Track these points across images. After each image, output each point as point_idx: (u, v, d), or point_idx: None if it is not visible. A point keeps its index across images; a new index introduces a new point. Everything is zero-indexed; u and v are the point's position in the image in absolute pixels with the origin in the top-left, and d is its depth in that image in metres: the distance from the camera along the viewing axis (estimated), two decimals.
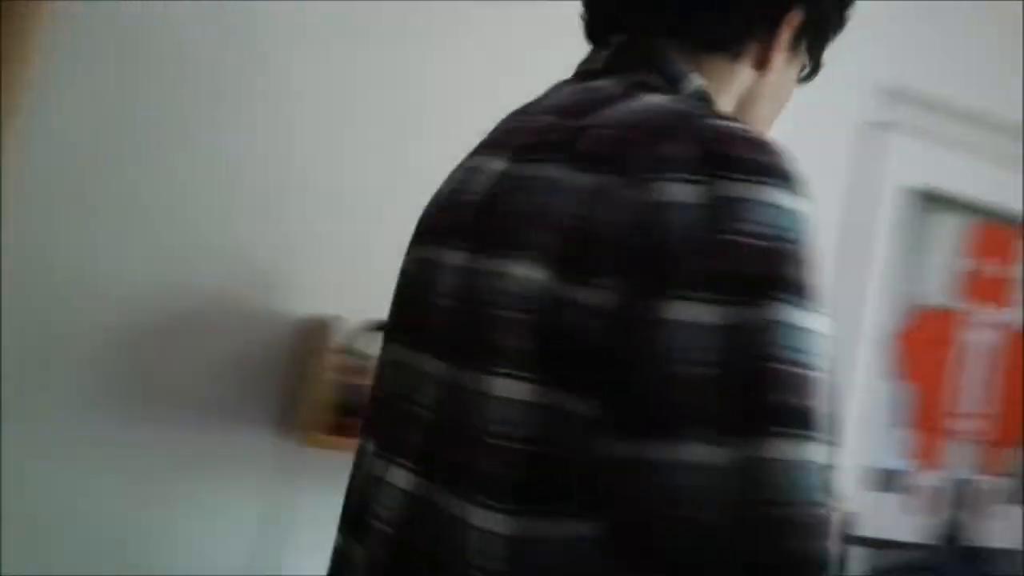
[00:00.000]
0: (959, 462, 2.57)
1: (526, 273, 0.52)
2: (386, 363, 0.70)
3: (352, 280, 1.80)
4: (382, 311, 1.55)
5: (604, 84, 0.62)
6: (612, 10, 0.69)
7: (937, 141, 2.40)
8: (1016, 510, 2.73)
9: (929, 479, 2.51)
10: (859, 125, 2.32)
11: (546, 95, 0.68)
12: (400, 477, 0.60)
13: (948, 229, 2.49)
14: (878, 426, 2.32)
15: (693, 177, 0.49)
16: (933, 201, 2.44)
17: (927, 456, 2.50)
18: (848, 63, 2.15)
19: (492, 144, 0.65)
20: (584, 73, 0.68)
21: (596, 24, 0.71)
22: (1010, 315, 2.58)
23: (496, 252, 0.55)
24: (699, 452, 0.47)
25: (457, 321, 0.58)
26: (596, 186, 0.52)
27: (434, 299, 0.61)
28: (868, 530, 2.27)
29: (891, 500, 2.42)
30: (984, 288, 2.56)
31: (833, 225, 2.25)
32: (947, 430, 2.53)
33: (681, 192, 0.49)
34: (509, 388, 0.52)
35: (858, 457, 2.26)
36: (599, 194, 0.51)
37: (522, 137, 0.61)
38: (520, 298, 0.52)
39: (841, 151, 2.30)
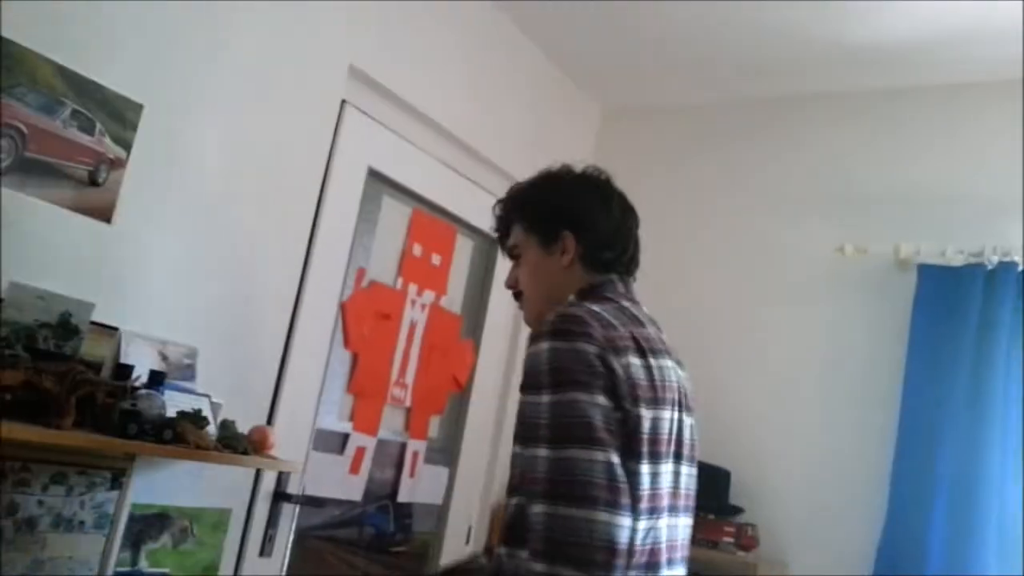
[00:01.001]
0: (392, 426, 2.70)
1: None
2: (659, 473, 1.25)
3: None
4: None
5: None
6: (630, 265, 1.44)
7: (393, 130, 2.56)
8: (440, 470, 2.88)
9: (365, 441, 2.51)
10: (336, 104, 2.34)
11: (637, 307, 1.38)
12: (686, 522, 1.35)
13: (399, 212, 2.70)
14: (327, 390, 2.42)
15: None
16: (389, 185, 2.61)
17: (365, 420, 2.54)
18: (329, 44, 2.23)
19: (654, 348, 1.31)
20: (630, 296, 1.41)
21: (625, 266, 1.43)
22: (437, 298, 2.83)
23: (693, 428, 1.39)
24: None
25: (693, 451, 1.36)
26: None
27: (687, 440, 1.34)
28: (310, 488, 2.35)
29: (332, 460, 2.48)
30: (421, 271, 2.76)
31: (311, 197, 2.28)
32: (384, 396, 2.62)
33: None
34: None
35: (308, 419, 2.34)
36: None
37: (666, 347, 1.36)
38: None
39: (322, 128, 2.31)
